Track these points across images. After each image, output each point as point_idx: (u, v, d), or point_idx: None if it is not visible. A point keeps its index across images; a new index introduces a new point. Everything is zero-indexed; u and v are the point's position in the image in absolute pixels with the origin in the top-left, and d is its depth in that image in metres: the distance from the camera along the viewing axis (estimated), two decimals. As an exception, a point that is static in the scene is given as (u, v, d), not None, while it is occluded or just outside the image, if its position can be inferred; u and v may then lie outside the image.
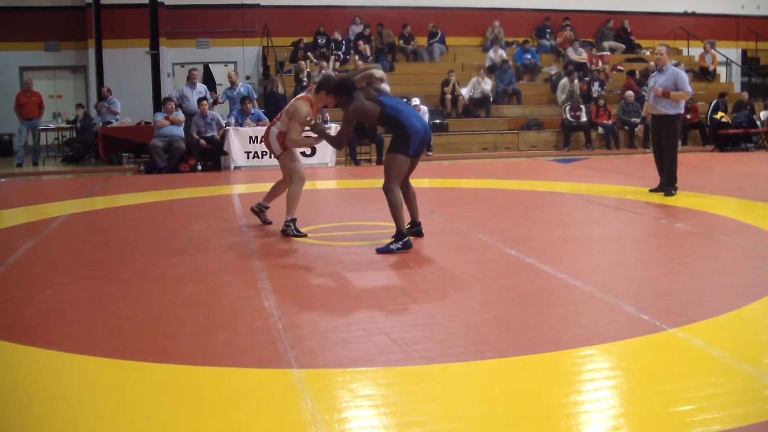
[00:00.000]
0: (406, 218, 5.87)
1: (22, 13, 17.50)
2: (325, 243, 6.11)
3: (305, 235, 6.34)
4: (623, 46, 20.26)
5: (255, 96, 14.28)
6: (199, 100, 13.25)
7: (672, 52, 17.14)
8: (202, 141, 12.88)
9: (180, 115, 13.02)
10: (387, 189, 5.71)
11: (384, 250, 5.62)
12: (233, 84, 14.13)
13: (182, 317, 4.12)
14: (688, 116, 15.86)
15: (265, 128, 6.96)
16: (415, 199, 6.12)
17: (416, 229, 6.14)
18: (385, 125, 5.88)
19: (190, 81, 13.99)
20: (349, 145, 13.72)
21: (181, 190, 10.17)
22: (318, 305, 4.33)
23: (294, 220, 6.40)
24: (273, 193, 6.94)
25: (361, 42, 18.14)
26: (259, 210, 6.95)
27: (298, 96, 6.54)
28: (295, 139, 6.27)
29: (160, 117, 12.94)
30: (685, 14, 21.29)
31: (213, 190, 10.22)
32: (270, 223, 6.93)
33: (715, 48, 19.85)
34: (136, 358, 3.41)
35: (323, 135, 6.24)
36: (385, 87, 6.21)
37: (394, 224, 5.73)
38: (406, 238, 5.68)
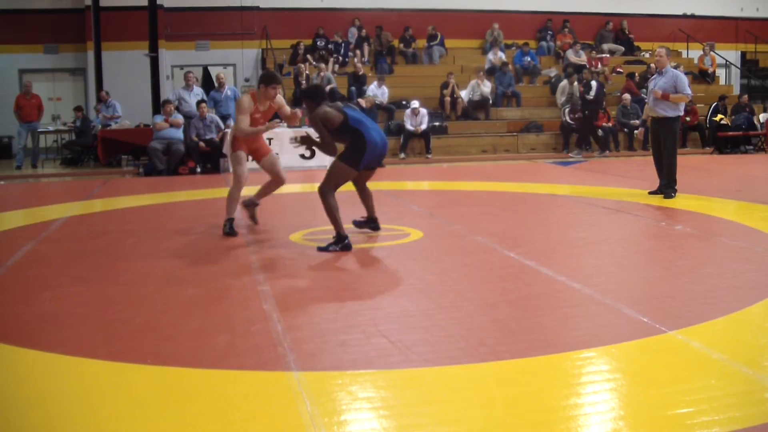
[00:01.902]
0: (346, 218, 5.98)
1: (22, 16, 17.50)
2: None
3: (236, 234, 6.53)
4: (623, 48, 20.28)
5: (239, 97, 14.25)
6: (198, 103, 13.26)
7: (671, 54, 17.15)
8: (201, 143, 12.88)
9: (179, 118, 13.03)
10: (322, 192, 5.87)
11: (323, 249, 5.84)
12: (221, 86, 14.12)
13: (181, 320, 4.11)
14: (688, 118, 15.87)
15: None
16: (371, 199, 6.44)
17: (374, 225, 6.49)
18: (345, 134, 5.91)
19: (187, 84, 13.99)
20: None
21: (179, 192, 10.17)
22: (317, 308, 4.32)
23: (231, 220, 6.61)
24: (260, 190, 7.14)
25: (365, 44, 18.18)
26: (250, 204, 7.12)
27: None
28: (242, 128, 6.44)
29: (159, 119, 12.95)
30: (685, 16, 21.31)
31: (212, 192, 10.20)
32: (257, 224, 7.11)
33: (714, 50, 19.87)
34: (135, 361, 3.40)
35: (311, 142, 6.30)
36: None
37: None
38: (346, 240, 5.83)
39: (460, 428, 2.71)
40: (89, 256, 5.93)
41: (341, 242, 5.82)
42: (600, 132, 15.53)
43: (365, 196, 6.40)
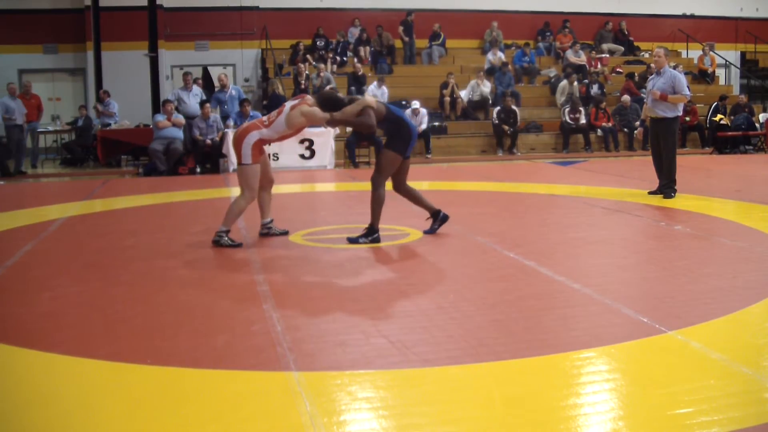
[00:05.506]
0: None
1: (21, 16, 17.52)
2: (323, 245, 6.11)
3: (240, 245, 6.08)
4: (622, 49, 20.30)
5: (244, 96, 14.23)
6: (202, 103, 13.28)
7: (671, 54, 17.16)
8: (208, 141, 12.87)
9: (180, 118, 13.03)
10: (375, 182, 6.03)
11: (353, 241, 6.02)
12: (224, 87, 14.11)
13: (181, 320, 4.11)
14: (687, 118, 15.90)
15: (240, 130, 6.28)
16: (420, 194, 6.39)
17: (442, 215, 6.40)
18: (389, 123, 6.06)
19: (185, 85, 13.99)
20: (348, 147, 13.72)
21: (179, 192, 10.16)
22: (316, 308, 4.32)
23: (227, 232, 6.09)
24: (263, 208, 6.55)
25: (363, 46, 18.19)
26: (267, 230, 6.54)
27: (294, 104, 6.11)
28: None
29: (160, 118, 12.94)
30: (684, 16, 21.32)
31: (211, 192, 10.21)
32: (286, 233, 6.59)
33: (714, 50, 19.88)
34: (135, 361, 3.40)
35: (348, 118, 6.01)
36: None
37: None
38: (376, 234, 6.03)
39: (459, 428, 2.72)
40: (89, 256, 5.93)
41: (371, 235, 6.02)
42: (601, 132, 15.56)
43: (412, 195, 6.32)
